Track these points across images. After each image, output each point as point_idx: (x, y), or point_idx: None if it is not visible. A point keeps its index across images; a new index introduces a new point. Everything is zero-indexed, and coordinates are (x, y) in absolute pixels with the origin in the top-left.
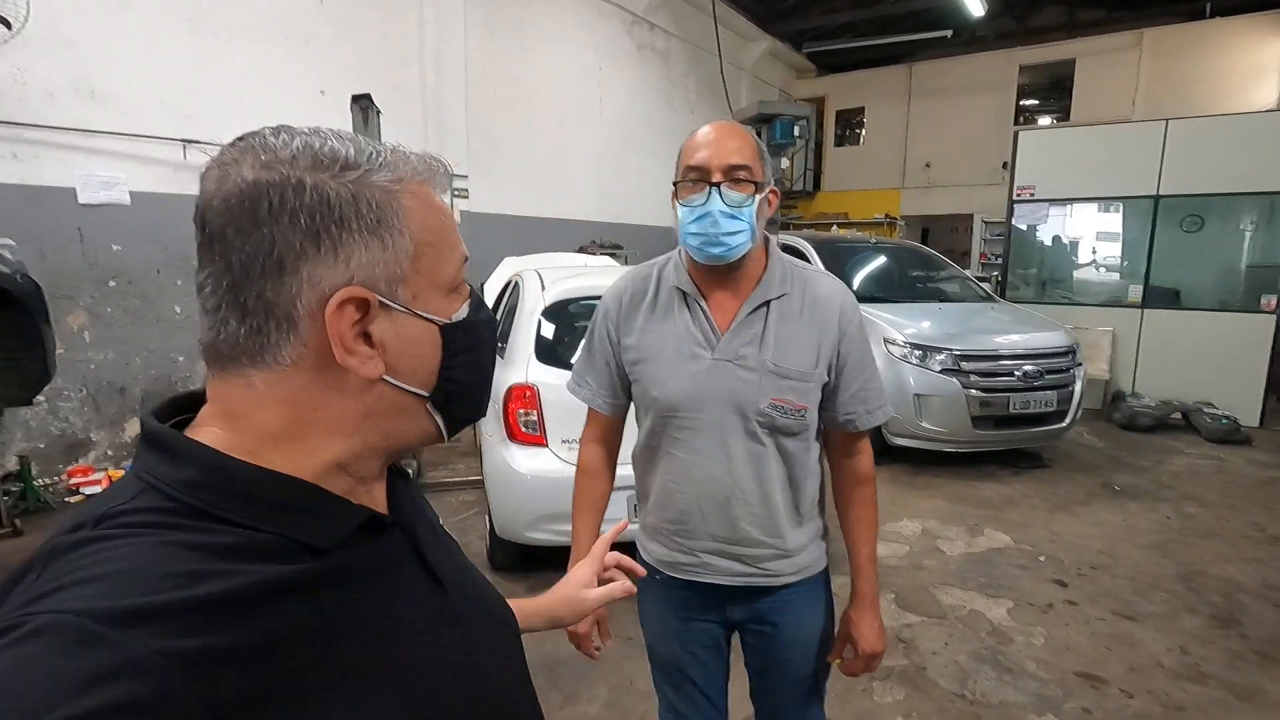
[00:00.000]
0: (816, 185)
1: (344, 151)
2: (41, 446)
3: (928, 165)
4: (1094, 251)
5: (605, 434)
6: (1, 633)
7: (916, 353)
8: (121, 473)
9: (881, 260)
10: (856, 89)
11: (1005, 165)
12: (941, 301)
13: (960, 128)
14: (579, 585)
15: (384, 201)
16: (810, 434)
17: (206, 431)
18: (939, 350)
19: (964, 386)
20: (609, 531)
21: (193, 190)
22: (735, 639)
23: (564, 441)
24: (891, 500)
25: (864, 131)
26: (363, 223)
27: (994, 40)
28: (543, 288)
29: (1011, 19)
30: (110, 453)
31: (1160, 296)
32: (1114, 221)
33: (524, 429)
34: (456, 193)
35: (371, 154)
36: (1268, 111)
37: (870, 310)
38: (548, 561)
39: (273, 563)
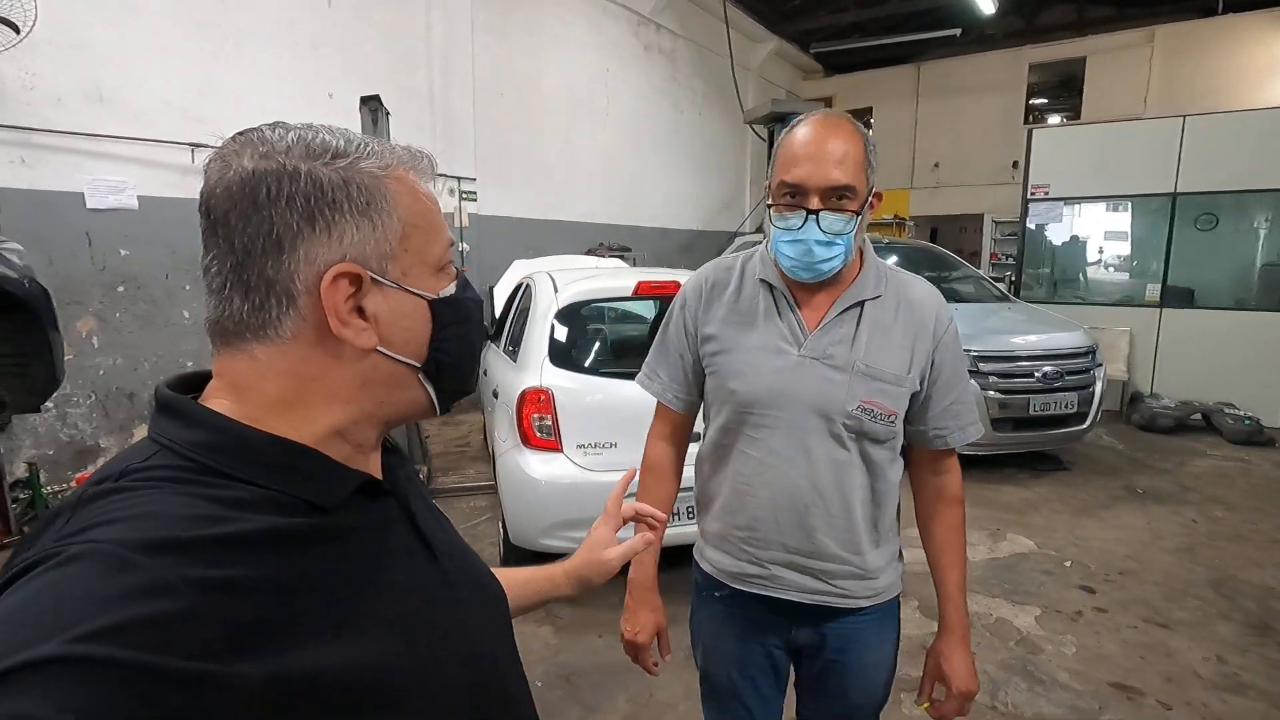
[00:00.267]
0: None
1: (334, 142)
2: (50, 453)
3: (936, 165)
4: (1100, 251)
5: (675, 431)
6: (40, 561)
7: None
8: None
9: (894, 261)
10: (864, 89)
11: (1015, 165)
12: (957, 302)
13: (969, 127)
14: (599, 546)
15: (372, 185)
16: (897, 445)
17: (215, 402)
18: None
19: (983, 388)
20: (618, 484)
21: None
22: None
23: (579, 446)
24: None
25: (872, 132)
26: (353, 205)
27: (1003, 39)
28: (556, 290)
29: (1020, 17)
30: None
31: (1178, 295)
32: (1130, 220)
33: (538, 434)
34: (465, 195)
35: (360, 144)
36: None
37: None
38: None
39: (278, 515)
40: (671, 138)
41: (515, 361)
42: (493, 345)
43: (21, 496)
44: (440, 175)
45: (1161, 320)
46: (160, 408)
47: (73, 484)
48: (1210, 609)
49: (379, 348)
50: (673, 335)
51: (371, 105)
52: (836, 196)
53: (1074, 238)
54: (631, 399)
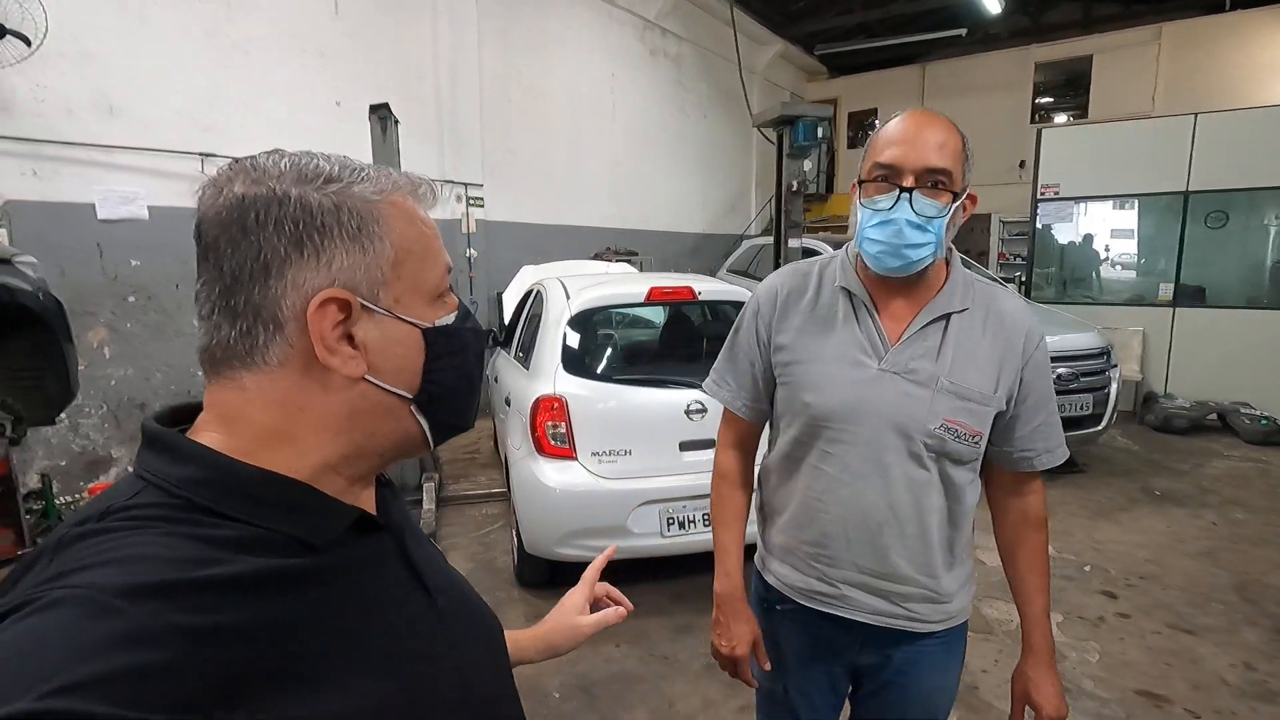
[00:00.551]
0: (829, 188)
1: (328, 168)
2: (63, 464)
3: None
4: (1108, 249)
5: (743, 440)
6: (17, 608)
7: None
8: None
9: None
10: (869, 90)
11: (1022, 164)
12: None
13: (975, 127)
14: (573, 612)
15: (365, 210)
16: (978, 465)
17: (204, 435)
18: None
19: None
20: (599, 558)
21: None
22: None
23: (593, 454)
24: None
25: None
26: (344, 229)
27: (1008, 38)
28: (568, 297)
29: (1026, 16)
30: (131, 469)
31: (1191, 294)
32: (1141, 219)
33: (552, 441)
34: (472, 201)
35: (355, 170)
36: None
37: None
38: (577, 579)
39: (269, 555)
40: (677, 141)
41: (527, 369)
42: (503, 351)
43: (35, 508)
44: (447, 182)
45: (1175, 319)
46: (147, 442)
47: (85, 495)
48: (1235, 614)
49: (368, 376)
50: (743, 342)
51: (381, 113)
52: (931, 181)
53: (1085, 237)
54: (645, 405)
